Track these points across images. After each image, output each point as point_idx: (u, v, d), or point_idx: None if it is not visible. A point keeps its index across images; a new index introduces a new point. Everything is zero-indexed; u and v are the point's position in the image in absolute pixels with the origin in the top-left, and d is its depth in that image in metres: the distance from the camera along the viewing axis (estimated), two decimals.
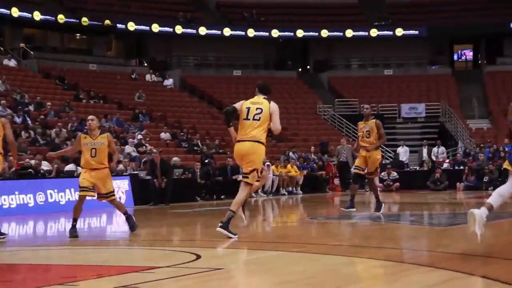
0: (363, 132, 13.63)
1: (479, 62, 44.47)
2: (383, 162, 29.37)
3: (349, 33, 41.87)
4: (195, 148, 27.65)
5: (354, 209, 13.72)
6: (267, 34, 41.44)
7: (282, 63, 43.45)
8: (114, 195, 10.89)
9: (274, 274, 6.62)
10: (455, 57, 46.40)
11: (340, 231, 11.46)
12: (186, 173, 22.44)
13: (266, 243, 9.50)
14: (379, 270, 6.89)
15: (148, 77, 37.39)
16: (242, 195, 9.50)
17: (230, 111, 9.63)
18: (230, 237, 9.24)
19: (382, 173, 25.41)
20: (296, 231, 11.91)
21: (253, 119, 9.39)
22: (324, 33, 41.79)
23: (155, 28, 39.51)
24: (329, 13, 43.68)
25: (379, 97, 38.81)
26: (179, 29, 39.94)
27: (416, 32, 41.97)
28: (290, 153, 27.41)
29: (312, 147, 29.78)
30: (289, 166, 25.28)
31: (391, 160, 29.80)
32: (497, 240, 9.36)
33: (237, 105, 9.64)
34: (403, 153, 29.67)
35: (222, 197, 21.55)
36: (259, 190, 22.30)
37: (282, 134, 33.09)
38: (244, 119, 9.45)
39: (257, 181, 9.56)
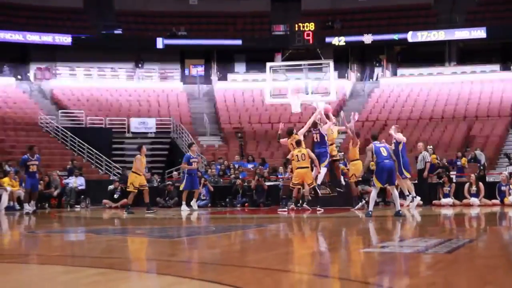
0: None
1: (211, 78, 46.20)
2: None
3: (74, 39, 41.30)
4: None
5: None
6: None
7: None
8: None
9: None
10: (187, 72, 47.74)
11: (60, 243, 11.24)
12: None
13: None
14: (98, 277, 6.86)
15: None
16: None
17: None
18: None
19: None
20: (12, 244, 11.52)
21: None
22: (47, 38, 40.82)
23: None
24: (52, 17, 42.77)
25: (107, 110, 38.70)
26: None
27: (146, 43, 42.58)
28: (6, 166, 26.29)
29: None
30: (6, 179, 24.33)
31: (119, 175, 29.77)
32: (229, 249, 9.81)
33: None
34: None
35: None
36: None
37: None
38: None
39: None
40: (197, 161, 22.45)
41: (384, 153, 16.01)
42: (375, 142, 16.34)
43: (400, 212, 16.01)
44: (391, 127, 19.76)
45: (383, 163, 15.96)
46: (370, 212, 15.92)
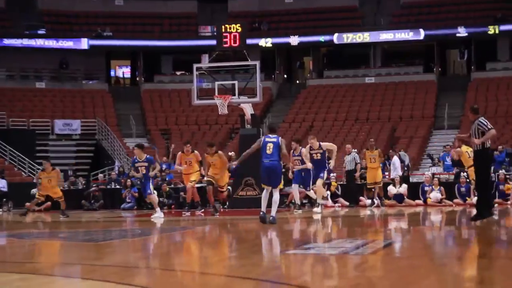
0: None
1: (137, 79, 45.84)
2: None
3: None
4: None
5: None
6: None
7: None
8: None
9: None
10: (113, 73, 47.28)
11: None
12: None
13: None
14: (20, 282, 6.79)
15: None
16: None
17: None
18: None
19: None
20: None
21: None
22: None
23: None
24: None
25: (31, 112, 38.01)
26: None
27: (71, 44, 41.88)
28: None
29: None
30: None
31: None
32: (154, 252, 9.75)
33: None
34: None
35: None
36: None
37: None
38: None
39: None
40: None
41: (269, 151, 14.29)
42: (269, 135, 14.68)
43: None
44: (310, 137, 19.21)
45: (263, 163, 14.42)
46: (262, 213, 14.32)
